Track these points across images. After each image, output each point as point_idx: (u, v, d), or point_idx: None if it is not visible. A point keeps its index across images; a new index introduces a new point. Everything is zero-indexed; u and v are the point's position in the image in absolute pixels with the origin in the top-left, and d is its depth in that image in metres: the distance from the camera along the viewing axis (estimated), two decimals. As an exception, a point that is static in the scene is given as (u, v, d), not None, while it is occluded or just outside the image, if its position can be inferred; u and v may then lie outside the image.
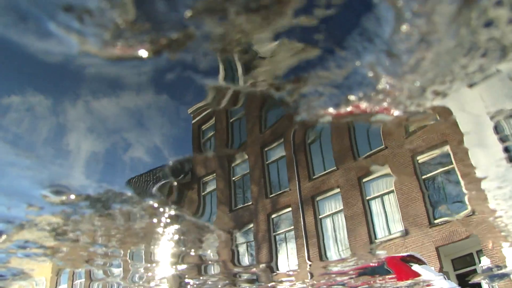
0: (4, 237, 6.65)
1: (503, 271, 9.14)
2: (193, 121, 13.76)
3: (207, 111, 13.68)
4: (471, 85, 4.71)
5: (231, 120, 14.72)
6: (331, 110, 4.27)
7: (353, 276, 8.44)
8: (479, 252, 10.92)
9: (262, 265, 11.42)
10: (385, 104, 4.11)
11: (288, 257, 14.17)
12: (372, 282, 8.51)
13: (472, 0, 2.81)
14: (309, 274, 13.14)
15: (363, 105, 4.04)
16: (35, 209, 5.87)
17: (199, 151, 13.06)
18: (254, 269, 10.16)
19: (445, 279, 10.36)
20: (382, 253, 11.86)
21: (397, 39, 3.30)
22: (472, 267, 11.04)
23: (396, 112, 4.29)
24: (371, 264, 9.63)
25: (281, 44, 3.71)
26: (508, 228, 10.04)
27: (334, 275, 8.39)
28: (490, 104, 6.96)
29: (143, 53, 3.39)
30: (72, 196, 5.59)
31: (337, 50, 3.56)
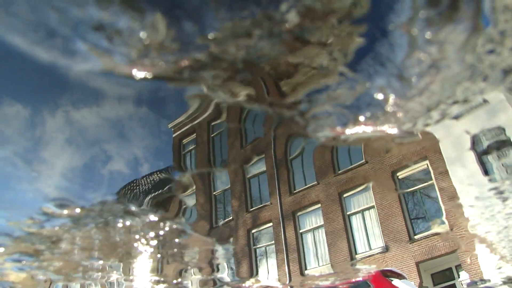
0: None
1: (487, 284, 9.27)
2: (174, 135, 13.68)
3: (188, 126, 13.65)
4: (457, 117, 4.91)
5: (212, 135, 14.71)
6: (338, 129, 4.35)
7: None
8: (458, 267, 11.07)
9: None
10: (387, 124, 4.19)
11: (268, 272, 14.10)
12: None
13: (479, 29, 2.97)
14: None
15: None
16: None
17: (180, 165, 12.97)
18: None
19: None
20: (364, 268, 11.90)
21: (408, 64, 3.47)
22: (451, 282, 11.17)
23: (389, 130, 4.38)
24: (353, 280, 9.64)
25: (299, 68, 3.79)
26: (487, 243, 10.23)
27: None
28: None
29: (163, 72, 3.41)
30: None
31: (350, 73, 3.58)
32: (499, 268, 10.12)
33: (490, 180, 10.11)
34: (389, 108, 4.04)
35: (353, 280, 9.81)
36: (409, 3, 2.87)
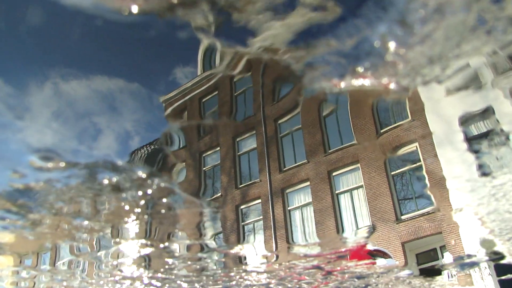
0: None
1: (472, 259, 9.48)
2: (166, 110, 13.59)
3: (180, 101, 13.54)
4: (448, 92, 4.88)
5: (204, 111, 14.62)
6: (335, 80, 4.24)
7: (331, 259, 8.59)
8: (442, 248, 11.27)
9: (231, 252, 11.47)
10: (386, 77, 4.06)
11: (255, 247, 14.24)
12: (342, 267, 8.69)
13: None
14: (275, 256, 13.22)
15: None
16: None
17: (172, 140, 12.90)
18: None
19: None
20: (351, 242, 12.10)
21: (412, 8, 3.27)
22: (435, 262, 11.38)
23: (387, 84, 4.26)
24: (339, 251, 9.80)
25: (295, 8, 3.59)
26: (470, 222, 10.41)
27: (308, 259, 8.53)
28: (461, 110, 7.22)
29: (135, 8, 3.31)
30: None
31: (350, 18, 3.48)
32: (483, 248, 10.32)
33: (477, 162, 10.23)
34: (389, 58, 3.84)
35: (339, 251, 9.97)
36: None
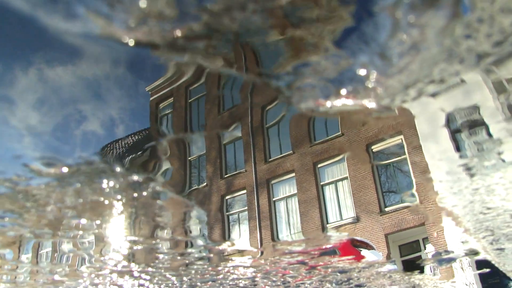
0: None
1: (450, 255, 9.67)
2: (151, 99, 13.44)
3: (166, 90, 13.39)
4: (434, 95, 5.19)
5: (189, 100, 14.50)
6: (321, 101, 4.62)
7: (315, 255, 8.68)
8: (425, 240, 11.44)
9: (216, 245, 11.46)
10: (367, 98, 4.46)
11: (240, 237, 14.27)
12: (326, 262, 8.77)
13: (458, 15, 3.28)
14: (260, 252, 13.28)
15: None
16: None
17: (156, 129, 12.78)
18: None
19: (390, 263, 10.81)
20: (336, 235, 12.18)
21: (390, 44, 3.68)
22: (418, 253, 11.57)
23: (368, 104, 4.67)
24: (324, 246, 9.88)
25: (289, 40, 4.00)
26: (453, 216, 10.55)
27: (293, 255, 8.58)
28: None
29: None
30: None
31: (336, 49, 3.91)
32: (463, 242, 10.50)
33: (460, 157, 10.35)
34: (369, 84, 4.30)
35: (324, 246, 10.05)
36: None
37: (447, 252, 10.05)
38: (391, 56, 3.82)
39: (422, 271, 10.97)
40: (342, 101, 4.49)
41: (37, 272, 8.95)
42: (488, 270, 10.19)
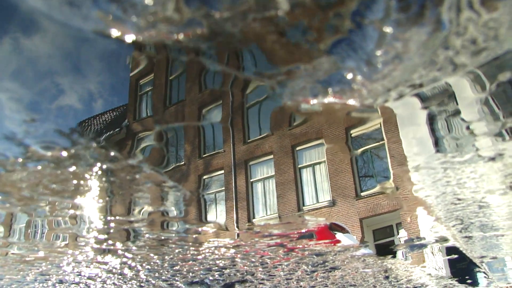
0: None
1: (422, 242, 9.94)
2: (131, 74, 13.15)
3: (146, 65, 13.13)
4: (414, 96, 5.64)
5: (170, 78, 14.27)
6: (310, 99, 5.02)
7: (294, 239, 8.82)
8: (399, 225, 11.66)
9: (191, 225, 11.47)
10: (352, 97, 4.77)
11: (216, 218, 14.30)
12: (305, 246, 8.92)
13: (438, 30, 3.74)
14: (236, 234, 13.34)
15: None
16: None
17: (135, 106, 12.59)
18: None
19: (365, 247, 11.01)
20: (313, 220, 12.31)
21: (377, 53, 4.11)
22: (391, 238, 11.80)
23: (352, 103, 5.08)
24: (304, 230, 10.01)
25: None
26: (426, 205, 10.77)
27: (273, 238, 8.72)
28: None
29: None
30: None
31: (327, 55, 4.25)
32: (433, 228, 10.76)
33: (437, 148, 10.52)
34: (355, 86, 4.74)
35: (303, 230, 10.18)
36: (383, 5, 3.54)
37: (419, 238, 10.30)
38: (376, 63, 4.22)
39: (394, 255, 11.23)
40: (328, 100, 4.86)
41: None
42: (456, 256, 10.50)
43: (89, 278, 10.33)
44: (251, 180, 14.16)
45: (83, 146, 6.32)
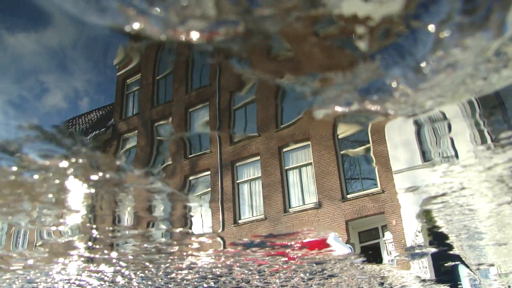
0: None
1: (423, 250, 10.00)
2: (118, 74, 13.00)
3: (134, 64, 13.00)
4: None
5: (157, 77, 14.14)
6: (340, 108, 4.53)
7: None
8: (384, 227, 11.74)
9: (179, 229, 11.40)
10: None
11: (202, 219, 14.21)
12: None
13: (499, 35, 3.24)
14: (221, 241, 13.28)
15: None
16: None
17: (122, 106, 12.46)
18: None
19: (351, 249, 11.06)
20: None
21: (428, 60, 3.64)
22: (376, 240, 11.88)
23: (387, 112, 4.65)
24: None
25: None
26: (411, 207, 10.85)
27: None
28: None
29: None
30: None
31: (369, 60, 3.82)
32: (419, 231, 10.85)
33: (421, 148, 10.62)
34: (396, 95, 4.22)
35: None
36: (446, 7, 3.01)
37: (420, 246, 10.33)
38: (426, 72, 3.78)
39: (380, 257, 11.30)
40: (364, 108, 4.41)
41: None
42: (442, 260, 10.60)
43: (79, 286, 10.21)
44: (238, 182, 14.12)
45: (69, 147, 6.23)
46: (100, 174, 7.26)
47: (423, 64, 3.65)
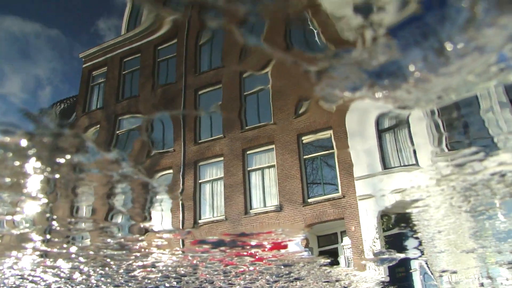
0: None
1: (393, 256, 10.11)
2: (84, 65, 12.73)
3: (100, 59, 12.74)
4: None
5: (123, 72, 13.92)
6: (347, 93, 4.09)
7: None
8: (343, 233, 11.93)
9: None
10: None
11: (162, 217, 14.03)
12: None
13: None
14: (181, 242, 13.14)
15: None
16: None
17: (86, 98, 12.18)
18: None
19: (309, 254, 11.20)
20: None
21: (456, 41, 3.17)
22: (335, 245, 12.06)
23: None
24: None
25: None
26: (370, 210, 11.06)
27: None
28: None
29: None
30: None
31: (387, 37, 3.36)
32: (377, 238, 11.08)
33: (382, 157, 10.87)
34: (411, 82, 3.76)
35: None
36: None
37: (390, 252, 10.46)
38: (450, 54, 3.26)
39: (337, 261, 11.47)
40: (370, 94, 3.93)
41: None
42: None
43: (32, 282, 9.84)
44: (200, 181, 14.03)
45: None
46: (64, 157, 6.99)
47: (448, 46, 3.16)
